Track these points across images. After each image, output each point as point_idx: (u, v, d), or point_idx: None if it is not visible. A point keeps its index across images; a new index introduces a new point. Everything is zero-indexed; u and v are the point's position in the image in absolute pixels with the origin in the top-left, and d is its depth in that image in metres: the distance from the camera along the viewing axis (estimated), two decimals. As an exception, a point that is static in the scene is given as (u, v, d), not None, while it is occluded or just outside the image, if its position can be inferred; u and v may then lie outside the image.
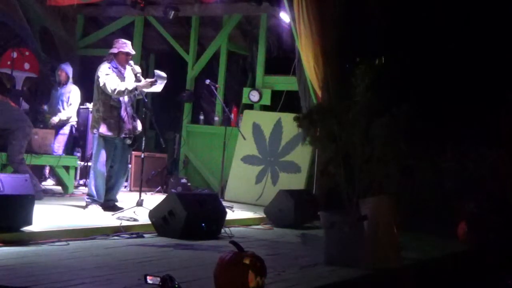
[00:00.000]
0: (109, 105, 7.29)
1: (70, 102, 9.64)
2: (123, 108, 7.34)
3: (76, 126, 9.87)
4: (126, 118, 7.34)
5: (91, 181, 7.40)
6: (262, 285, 4.02)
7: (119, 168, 7.52)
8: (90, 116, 9.38)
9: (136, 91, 7.31)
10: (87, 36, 12.13)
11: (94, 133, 7.37)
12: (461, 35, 8.58)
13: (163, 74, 7.37)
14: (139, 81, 7.35)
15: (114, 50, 7.40)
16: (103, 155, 7.30)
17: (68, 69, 9.77)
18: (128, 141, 7.39)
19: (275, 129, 10.09)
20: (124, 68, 7.46)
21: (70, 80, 9.74)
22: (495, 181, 7.83)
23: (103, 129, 7.24)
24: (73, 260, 4.89)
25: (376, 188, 5.53)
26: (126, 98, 7.37)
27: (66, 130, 9.65)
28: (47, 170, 9.84)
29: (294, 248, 6.41)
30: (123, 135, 7.33)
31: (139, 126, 7.53)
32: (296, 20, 8.74)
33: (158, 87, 7.39)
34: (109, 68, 7.31)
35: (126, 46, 7.45)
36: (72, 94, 9.65)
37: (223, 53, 11.23)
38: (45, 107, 9.87)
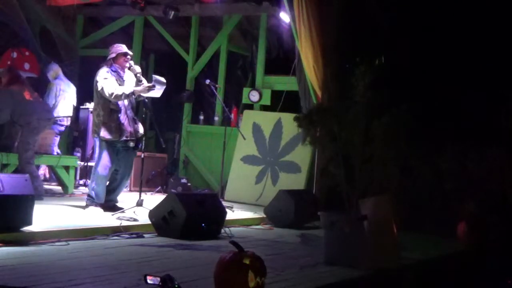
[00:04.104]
0: (109, 109, 7.28)
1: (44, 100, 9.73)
2: (122, 112, 7.33)
3: (60, 122, 9.89)
4: (126, 122, 7.33)
5: (91, 184, 7.40)
6: (262, 285, 4.02)
7: (124, 171, 7.51)
8: (90, 116, 9.43)
9: (133, 95, 7.31)
10: (87, 36, 12.12)
11: (96, 138, 7.37)
12: (461, 34, 8.58)
13: (162, 80, 7.35)
14: (140, 80, 7.34)
15: (112, 55, 7.39)
16: (105, 158, 7.29)
17: (46, 69, 9.93)
18: (131, 144, 7.38)
19: (275, 129, 10.09)
20: (123, 71, 7.46)
21: (50, 78, 9.82)
22: (495, 181, 7.82)
23: (104, 133, 7.23)
24: (73, 260, 4.89)
25: (376, 188, 5.53)
26: (126, 102, 7.36)
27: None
28: (42, 172, 9.81)
29: (294, 248, 6.41)
30: (124, 138, 7.32)
31: (141, 129, 7.52)
32: (296, 20, 8.74)
33: (157, 92, 7.38)
34: (108, 72, 7.30)
35: (122, 47, 7.45)
36: (47, 92, 9.76)
37: (223, 53, 11.23)
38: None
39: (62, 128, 9.92)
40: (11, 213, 5.34)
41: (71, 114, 9.96)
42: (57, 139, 9.71)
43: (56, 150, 9.50)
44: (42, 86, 10.15)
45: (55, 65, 10.01)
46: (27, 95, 8.34)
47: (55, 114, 9.74)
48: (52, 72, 9.83)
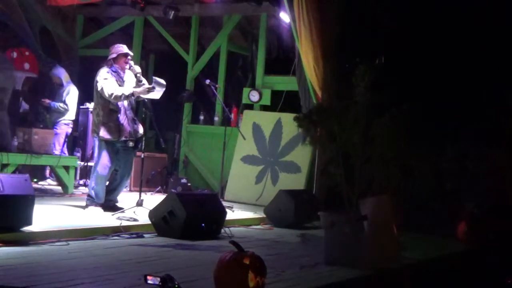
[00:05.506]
0: (108, 109, 7.28)
1: (66, 103, 9.79)
2: (122, 112, 7.33)
3: (70, 125, 9.94)
4: (125, 122, 7.32)
5: (91, 184, 7.40)
6: (262, 285, 4.02)
7: (124, 171, 7.51)
8: (90, 116, 9.45)
9: (133, 96, 7.31)
10: (87, 36, 12.12)
11: (95, 137, 7.37)
12: (461, 34, 8.58)
13: (162, 82, 7.34)
14: (140, 80, 7.34)
15: (113, 55, 7.39)
16: (104, 158, 7.29)
17: (58, 73, 9.99)
18: (131, 144, 7.37)
19: (275, 129, 10.09)
20: (124, 72, 7.45)
21: (63, 81, 9.93)
22: (495, 181, 7.83)
23: (103, 132, 7.23)
24: (73, 260, 4.89)
25: (376, 188, 5.53)
26: (125, 103, 7.36)
27: (59, 129, 9.72)
28: (47, 170, 9.87)
29: (294, 248, 6.42)
30: (123, 138, 7.31)
31: (141, 129, 7.52)
32: (296, 20, 8.74)
33: (157, 94, 7.37)
34: (108, 72, 7.30)
35: (123, 48, 7.45)
36: (66, 95, 9.85)
37: (223, 53, 11.23)
38: (53, 103, 9.91)
39: (70, 130, 10.00)
40: (11, 213, 5.35)
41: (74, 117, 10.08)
42: (59, 142, 9.73)
43: (64, 151, 9.61)
44: (41, 86, 10.17)
45: (61, 68, 10.12)
46: None
47: (70, 118, 9.84)
48: (64, 76, 9.99)
